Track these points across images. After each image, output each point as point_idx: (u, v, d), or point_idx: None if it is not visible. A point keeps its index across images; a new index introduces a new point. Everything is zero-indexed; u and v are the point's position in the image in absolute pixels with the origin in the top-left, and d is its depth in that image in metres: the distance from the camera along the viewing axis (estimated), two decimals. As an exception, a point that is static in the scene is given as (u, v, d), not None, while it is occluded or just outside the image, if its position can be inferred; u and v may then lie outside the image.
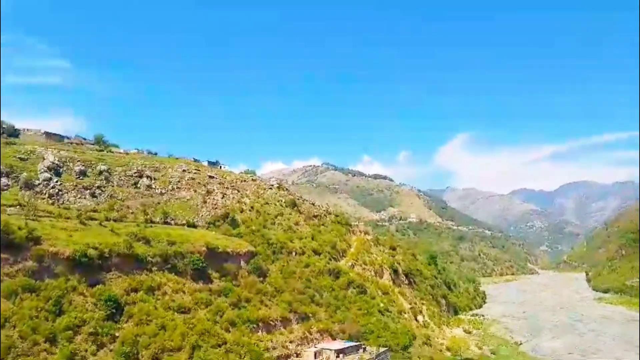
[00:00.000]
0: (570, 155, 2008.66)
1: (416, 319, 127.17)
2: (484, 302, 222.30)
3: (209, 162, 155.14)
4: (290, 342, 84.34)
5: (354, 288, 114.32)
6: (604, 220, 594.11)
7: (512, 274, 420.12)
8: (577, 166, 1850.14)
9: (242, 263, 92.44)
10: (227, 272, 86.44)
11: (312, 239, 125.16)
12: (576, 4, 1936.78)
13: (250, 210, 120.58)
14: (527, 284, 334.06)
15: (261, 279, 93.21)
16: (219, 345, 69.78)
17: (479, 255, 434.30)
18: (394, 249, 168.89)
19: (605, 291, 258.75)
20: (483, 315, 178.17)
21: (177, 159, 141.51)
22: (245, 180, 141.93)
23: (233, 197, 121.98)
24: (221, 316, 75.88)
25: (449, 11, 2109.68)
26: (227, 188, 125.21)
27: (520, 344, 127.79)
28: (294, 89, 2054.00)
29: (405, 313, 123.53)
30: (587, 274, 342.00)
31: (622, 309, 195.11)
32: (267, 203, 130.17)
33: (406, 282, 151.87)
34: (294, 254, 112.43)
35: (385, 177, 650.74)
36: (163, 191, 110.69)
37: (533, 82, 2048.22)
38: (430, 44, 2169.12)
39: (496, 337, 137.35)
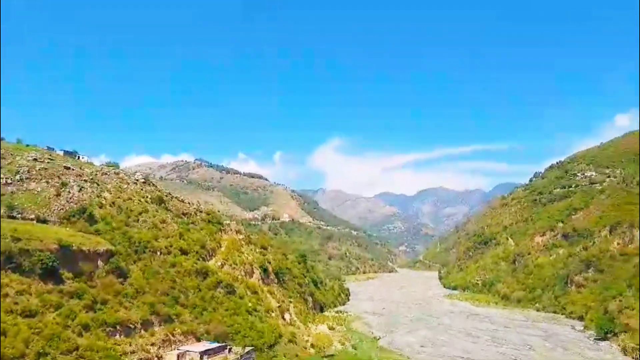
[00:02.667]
0: (428, 163, 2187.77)
1: (283, 318, 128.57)
2: (348, 299, 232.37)
3: (65, 152, 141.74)
4: (152, 345, 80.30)
5: (223, 288, 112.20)
6: (455, 224, 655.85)
7: (375, 272, 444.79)
8: (433, 174, 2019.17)
9: (100, 262, 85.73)
10: (81, 272, 79.50)
11: (180, 237, 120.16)
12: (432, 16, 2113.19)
13: (111, 206, 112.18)
14: (387, 282, 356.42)
15: (121, 279, 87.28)
16: (70, 351, 64.38)
17: (345, 254, 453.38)
18: (265, 248, 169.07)
19: (454, 288, 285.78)
20: (346, 312, 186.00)
21: (27, 146, 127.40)
22: (106, 173, 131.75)
23: (92, 191, 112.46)
24: (73, 319, 69.78)
25: (329, 15, 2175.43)
26: (85, 181, 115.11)
27: (379, 338, 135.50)
28: (164, 79, 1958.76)
29: (272, 312, 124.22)
30: (439, 273, 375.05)
31: (466, 304, 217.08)
32: (130, 199, 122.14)
33: (275, 281, 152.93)
34: (159, 253, 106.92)
35: (260, 177, 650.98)
36: (9, 181, 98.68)
37: (401, 95, 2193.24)
38: (307, 49, 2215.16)
39: (357, 332, 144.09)
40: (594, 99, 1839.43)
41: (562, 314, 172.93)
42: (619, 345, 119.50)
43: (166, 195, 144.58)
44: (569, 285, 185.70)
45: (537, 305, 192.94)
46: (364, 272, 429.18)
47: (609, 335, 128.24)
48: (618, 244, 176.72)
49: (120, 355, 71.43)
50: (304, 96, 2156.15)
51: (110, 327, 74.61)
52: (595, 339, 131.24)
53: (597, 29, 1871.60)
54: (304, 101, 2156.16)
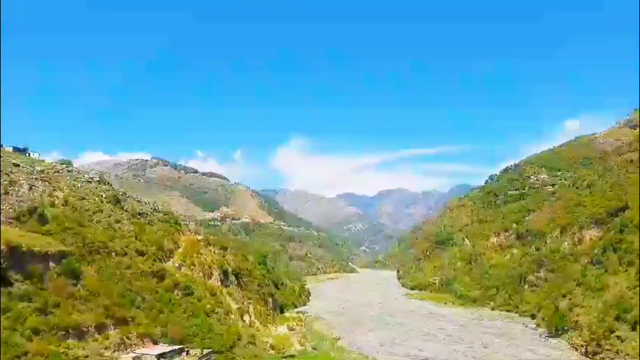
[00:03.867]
0: (388, 165, 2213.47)
1: (243, 319, 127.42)
2: (309, 300, 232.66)
3: (15, 148, 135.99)
4: (106, 348, 78.00)
5: (180, 290, 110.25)
6: (414, 225, 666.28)
7: (335, 272, 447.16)
8: (393, 175, 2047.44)
9: (51, 264, 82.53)
10: (32, 274, 76.22)
11: (136, 238, 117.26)
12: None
13: (63, 205, 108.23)
14: (347, 282, 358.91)
15: (74, 281, 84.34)
16: (19, 357, 62.13)
17: (307, 254, 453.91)
18: (225, 249, 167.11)
19: (413, 288, 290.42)
20: (307, 313, 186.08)
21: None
22: (59, 171, 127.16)
23: (43, 190, 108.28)
24: (22, 323, 67.16)
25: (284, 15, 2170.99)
26: (36, 179, 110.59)
27: (339, 338, 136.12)
28: (118, 75, 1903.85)
29: (232, 313, 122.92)
30: (398, 272, 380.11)
31: (424, 303, 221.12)
32: (84, 198, 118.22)
33: (235, 282, 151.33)
34: (114, 254, 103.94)
35: (220, 176, 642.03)
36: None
37: (362, 96, 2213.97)
38: (269, 48, 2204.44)
39: (317, 333, 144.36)
40: (544, 104, 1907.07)
41: (515, 312, 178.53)
42: (568, 342, 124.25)
43: (122, 195, 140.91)
44: (522, 285, 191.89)
45: (492, 304, 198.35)
46: (325, 273, 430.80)
47: (559, 332, 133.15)
48: (568, 244, 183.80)
49: (73, 359, 69.17)
50: (266, 94, 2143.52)
51: (62, 331, 72.14)
52: (546, 336, 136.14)
53: (546, 38, 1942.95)
54: (266, 99, 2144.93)
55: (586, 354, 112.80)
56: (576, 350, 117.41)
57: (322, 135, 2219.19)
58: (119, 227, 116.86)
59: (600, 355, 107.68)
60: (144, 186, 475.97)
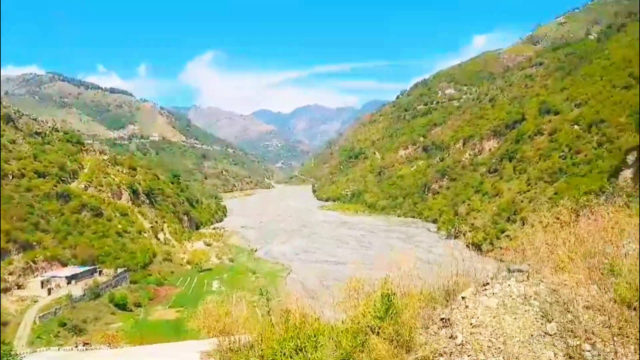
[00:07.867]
0: (304, 81, 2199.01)
1: (157, 237, 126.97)
2: (225, 216, 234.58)
3: None
4: (10, 274, 75.33)
5: (88, 211, 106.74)
6: (329, 140, 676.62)
7: (252, 189, 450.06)
8: (308, 92, 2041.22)
9: (-63, 189, 76.10)
10: None
11: (35, 159, 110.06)
12: None
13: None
14: (264, 197, 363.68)
15: (-34, 207, 78.80)
16: None
17: (222, 172, 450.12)
18: (134, 169, 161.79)
19: (327, 200, 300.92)
20: (223, 228, 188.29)
21: None
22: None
23: None
24: None
25: None
26: None
27: (256, 250, 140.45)
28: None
29: (145, 232, 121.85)
30: (313, 187, 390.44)
31: (337, 214, 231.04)
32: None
33: (147, 201, 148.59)
34: (10, 177, 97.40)
35: (124, 92, 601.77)
36: None
37: (278, 10, 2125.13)
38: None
39: (234, 246, 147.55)
40: (456, 20, 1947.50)
41: (419, 218, 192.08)
42: (464, 242, 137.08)
43: (15, 113, 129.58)
44: (427, 193, 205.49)
45: (398, 211, 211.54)
46: (241, 190, 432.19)
47: (457, 234, 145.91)
48: (469, 155, 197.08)
49: (-27, 287, 66.28)
50: (173, 4, 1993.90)
51: (-43, 258, 68.26)
52: (446, 238, 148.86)
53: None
54: (173, 9, 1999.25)
55: (479, 251, 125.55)
56: (469, 249, 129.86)
57: (236, 50, 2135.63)
58: (14, 148, 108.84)
59: (492, 253, 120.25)
60: (40, 103, 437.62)
